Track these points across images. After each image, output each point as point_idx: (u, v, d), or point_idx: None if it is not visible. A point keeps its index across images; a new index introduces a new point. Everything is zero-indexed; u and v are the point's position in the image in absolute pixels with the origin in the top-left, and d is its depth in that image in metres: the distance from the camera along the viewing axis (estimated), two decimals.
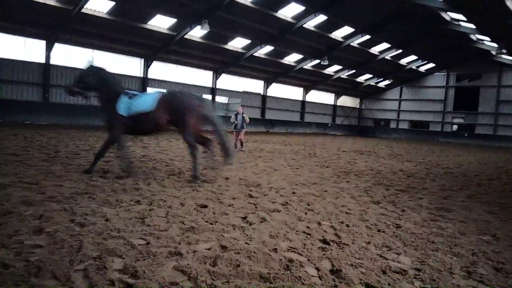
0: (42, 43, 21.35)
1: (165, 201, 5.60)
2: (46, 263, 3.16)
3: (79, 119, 22.17)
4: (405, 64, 38.41)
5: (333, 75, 37.53)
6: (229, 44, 27.14)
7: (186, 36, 24.06)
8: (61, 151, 10.33)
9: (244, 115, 13.93)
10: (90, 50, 23.43)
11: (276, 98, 36.97)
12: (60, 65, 22.28)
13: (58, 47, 21.85)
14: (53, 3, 18.58)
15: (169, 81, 28.01)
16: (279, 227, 4.77)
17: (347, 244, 4.29)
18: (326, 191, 7.42)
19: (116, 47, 24.20)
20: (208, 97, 31.09)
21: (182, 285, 3.01)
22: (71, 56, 22.64)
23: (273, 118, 36.53)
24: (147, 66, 26.30)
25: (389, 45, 32.39)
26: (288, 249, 4.02)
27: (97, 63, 7.76)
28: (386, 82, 43.22)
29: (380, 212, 5.99)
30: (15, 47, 20.63)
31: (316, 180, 8.62)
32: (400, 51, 33.76)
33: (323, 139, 28.16)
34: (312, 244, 4.22)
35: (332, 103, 44.66)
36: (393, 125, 45.85)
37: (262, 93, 35.58)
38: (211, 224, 4.70)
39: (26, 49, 21.05)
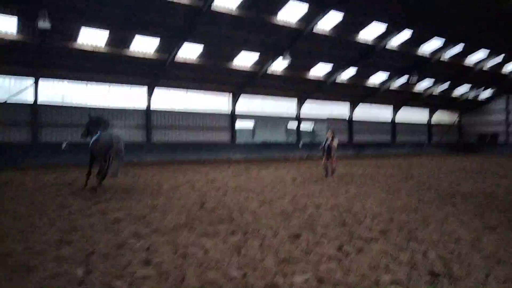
0: (143, 90, 24.07)
1: (259, 231, 5.67)
2: None
3: (176, 154, 24.00)
4: (509, 73, 34.34)
5: (423, 93, 35.17)
6: (311, 71, 27.38)
7: (269, 70, 25.00)
8: (163, 185, 11.23)
9: (333, 139, 13.49)
10: (184, 91, 25.63)
11: (363, 121, 35.72)
12: (158, 109, 24.73)
13: (156, 92, 24.36)
14: (151, 56, 21.11)
15: (255, 114, 29.05)
16: (379, 257, 4.46)
17: (461, 277, 3.82)
18: (430, 216, 6.79)
19: (206, 86, 26.11)
20: (293, 124, 31.35)
21: None
22: (167, 99, 25.04)
23: (362, 141, 35.22)
24: (235, 101, 27.73)
25: (487, 52, 29.39)
26: (391, 282, 3.72)
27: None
28: (488, 92, 38.98)
29: (498, 238, 5.25)
30: (121, 96, 23.55)
31: (416, 205, 7.95)
32: (502, 57, 30.37)
33: (419, 160, 26.13)
34: (420, 276, 3.85)
35: (426, 120, 41.50)
36: (501, 139, 40.70)
37: (347, 117, 34.71)
38: (306, 254, 4.59)
39: (131, 96, 23.87)
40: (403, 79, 31.11)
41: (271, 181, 12.62)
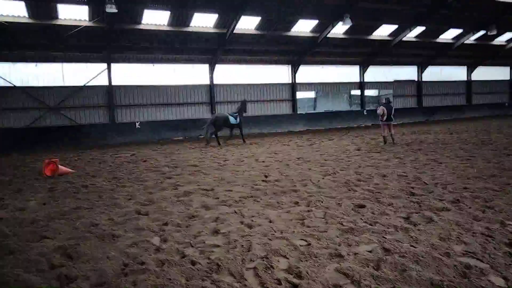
0: (205, 67, 24.66)
1: (322, 201, 5.69)
2: (224, 261, 3.61)
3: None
4: None
5: (505, 45, 31.42)
6: (374, 34, 25.82)
7: (329, 35, 24.02)
8: (228, 159, 11.64)
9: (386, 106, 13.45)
10: (244, 65, 25.79)
11: (434, 82, 33.13)
12: (221, 83, 25.26)
13: (218, 68, 24.84)
14: (211, 30, 21.42)
15: (316, 83, 28.39)
16: (450, 228, 4.26)
17: None
18: (509, 184, 6.26)
19: (265, 59, 25.97)
20: (357, 92, 30.17)
21: None
22: (228, 74, 25.43)
23: (433, 105, 32.87)
24: (294, 71, 27.30)
25: None
26: (464, 254, 3.56)
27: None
28: None
29: None
30: (185, 74, 24.37)
31: (494, 172, 7.35)
32: None
33: (499, 122, 23.77)
34: (495, 249, 3.63)
35: (508, 77, 37.27)
36: None
37: (416, 79, 32.46)
38: (370, 225, 4.54)
39: (194, 74, 24.62)
40: (479, 34, 28.04)
41: (334, 151, 12.44)
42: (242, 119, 17.57)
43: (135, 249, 4.08)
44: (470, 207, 5.04)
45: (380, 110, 13.48)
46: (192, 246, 4.11)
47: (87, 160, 13.37)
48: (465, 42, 28.95)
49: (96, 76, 21.61)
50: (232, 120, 17.03)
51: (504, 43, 31.19)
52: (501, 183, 6.39)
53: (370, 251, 3.73)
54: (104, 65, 21.75)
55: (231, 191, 6.83)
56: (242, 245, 4.02)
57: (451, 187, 6.25)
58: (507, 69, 36.98)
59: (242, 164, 10.35)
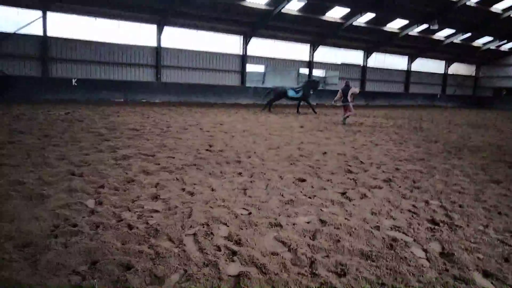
0: (153, 28, 23.35)
1: (265, 173, 5.77)
2: (162, 226, 3.54)
3: (185, 96, 23.92)
4: None
5: (444, 40, 33.60)
6: (327, 14, 26.13)
7: (283, 11, 23.84)
8: (172, 126, 11.32)
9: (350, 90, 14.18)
10: (195, 31, 24.83)
11: (377, 68, 34.70)
12: (169, 47, 24.15)
13: (166, 30, 23.64)
14: None
15: (266, 57, 28.29)
16: (382, 204, 4.56)
17: (461, 227, 3.90)
18: (435, 168, 6.82)
19: (217, 27, 25.20)
20: (305, 71, 30.64)
21: (282, 256, 3.09)
22: (177, 39, 24.36)
23: (374, 90, 34.54)
24: (246, 43, 26.90)
25: None
26: (391, 228, 3.83)
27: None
28: (509, 45, 37.12)
29: (501, 192, 5.29)
30: (129, 33, 22.89)
31: (423, 156, 7.97)
32: None
33: (431, 112, 25.72)
34: (419, 224, 3.94)
35: (442, 71, 40.21)
36: None
37: (361, 64, 33.73)
38: (309, 198, 4.70)
39: (141, 34, 23.23)
40: (423, 27, 29.62)
41: (279, 127, 12.62)
42: (309, 95, 18.96)
43: (67, 210, 3.84)
44: (400, 186, 5.41)
45: (338, 93, 14.20)
46: (130, 210, 3.97)
47: (14, 115, 12.24)
48: (409, 33, 30.44)
49: (29, 24, 19.54)
50: (291, 93, 18.70)
51: (442, 38, 33.30)
52: (428, 166, 6.93)
53: (308, 222, 3.87)
54: (39, 13, 19.71)
55: (173, 158, 6.66)
56: (183, 212, 3.96)
57: (384, 167, 6.65)
58: (443, 63, 39.76)
59: (186, 132, 10.13)
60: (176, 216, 3.83)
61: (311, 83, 19.66)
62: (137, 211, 3.95)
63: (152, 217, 3.81)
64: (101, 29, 21.83)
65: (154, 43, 23.65)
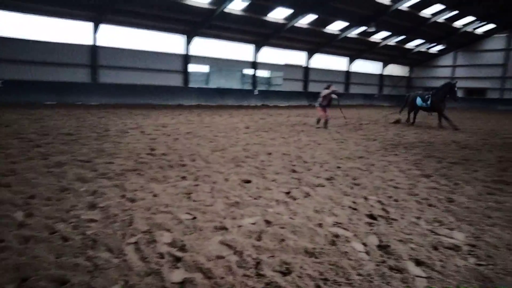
0: (89, 25, 22.12)
1: (209, 176, 5.70)
2: (101, 236, 3.34)
3: (125, 97, 22.84)
4: (461, 27, 35.46)
5: (380, 43, 35.68)
6: (269, 15, 26.52)
7: (226, 10, 23.78)
8: (110, 130, 10.80)
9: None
10: (135, 29, 23.93)
11: (319, 69, 35.93)
12: (107, 46, 23.03)
13: (103, 28, 22.51)
14: None
15: (210, 57, 28.06)
16: (324, 202, 4.70)
17: (396, 219, 4.14)
18: (373, 165, 7.19)
19: (158, 25, 24.47)
20: (250, 71, 30.84)
21: (228, 259, 3.06)
22: (116, 37, 23.30)
23: (316, 91, 35.68)
24: (188, 42, 26.46)
25: (443, 6, 29.95)
26: (333, 224, 3.95)
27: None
28: (439, 47, 40.37)
29: (431, 186, 5.70)
30: (62, 31, 21.45)
31: (362, 154, 8.37)
32: (456, 12, 31.18)
33: (369, 111, 27.17)
34: (358, 219, 4.12)
35: (379, 72, 42.70)
36: None
37: (304, 65, 34.71)
38: (255, 199, 4.72)
39: (73, 31, 21.86)
40: (361, 29, 31.18)
41: (224, 128, 12.57)
42: (442, 104, 14.57)
43: None
44: (341, 184, 5.62)
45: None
46: (64, 221, 3.70)
47: None
48: (349, 35, 31.90)
49: None
50: (418, 101, 15.17)
51: (379, 41, 35.32)
52: (367, 163, 7.29)
53: (253, 223, 3.88)
54: None
55: (112, 163, 6.35)
56: (123, 220, 3.78)
57: (327, 166, 6.88)
58: (380, 64, 42.20)
59: (126, 136, 9.71)
60: (115, 225, 3.64)
61: (446, 87, 14.70)
62: (72, 222, 3.70)
63: (89, 227, 3.59)
64: (31, 27, 20.24)
65: (90, 42, 22.42)
